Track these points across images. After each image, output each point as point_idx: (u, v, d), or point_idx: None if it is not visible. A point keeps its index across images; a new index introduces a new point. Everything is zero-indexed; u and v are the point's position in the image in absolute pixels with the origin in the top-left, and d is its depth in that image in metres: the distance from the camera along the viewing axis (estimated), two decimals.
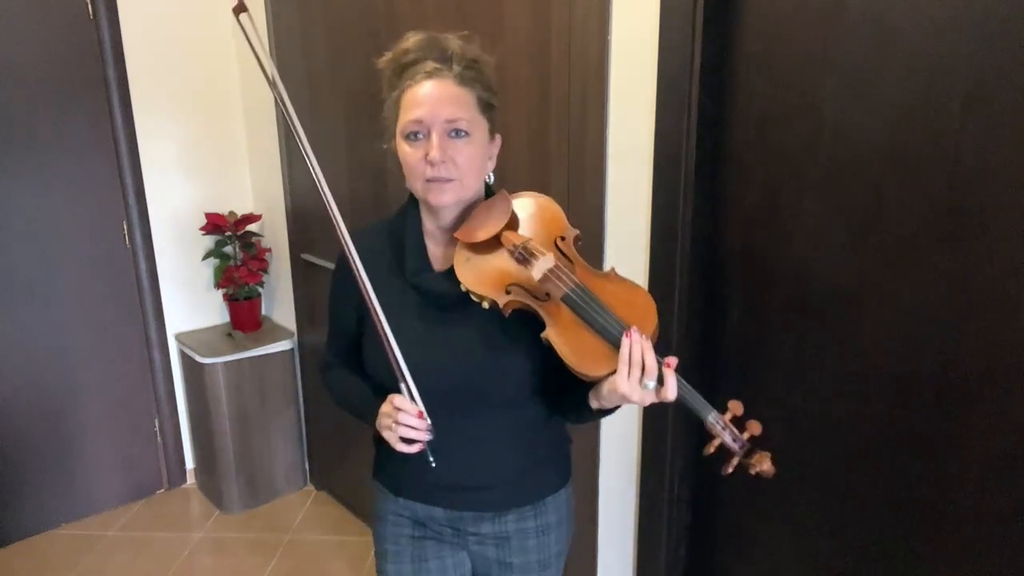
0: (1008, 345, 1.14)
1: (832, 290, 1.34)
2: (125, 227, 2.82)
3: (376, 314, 1.11)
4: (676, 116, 1.43)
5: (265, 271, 2.96)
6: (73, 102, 2.63)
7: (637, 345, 1.01)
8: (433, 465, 1.12)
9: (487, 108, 1.14)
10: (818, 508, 1.45)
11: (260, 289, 2.98)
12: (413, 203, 1.22)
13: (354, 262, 1.12)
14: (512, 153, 1.79)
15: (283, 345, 2.91)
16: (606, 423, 1.75)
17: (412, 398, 1.11)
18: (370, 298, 1.11)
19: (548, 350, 1.07)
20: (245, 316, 2.96)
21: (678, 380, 1.03)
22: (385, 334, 1.11)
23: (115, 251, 2.82)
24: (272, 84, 1.13)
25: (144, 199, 2.83)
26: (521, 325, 1.13)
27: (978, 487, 1.22)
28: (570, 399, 1.17)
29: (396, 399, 1.11)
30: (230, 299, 2.94)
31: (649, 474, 1.67)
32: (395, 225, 1.23)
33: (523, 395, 1.20)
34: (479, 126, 1.12)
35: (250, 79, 2.89)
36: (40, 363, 2.73)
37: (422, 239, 1.20)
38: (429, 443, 1.12)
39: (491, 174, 1.19)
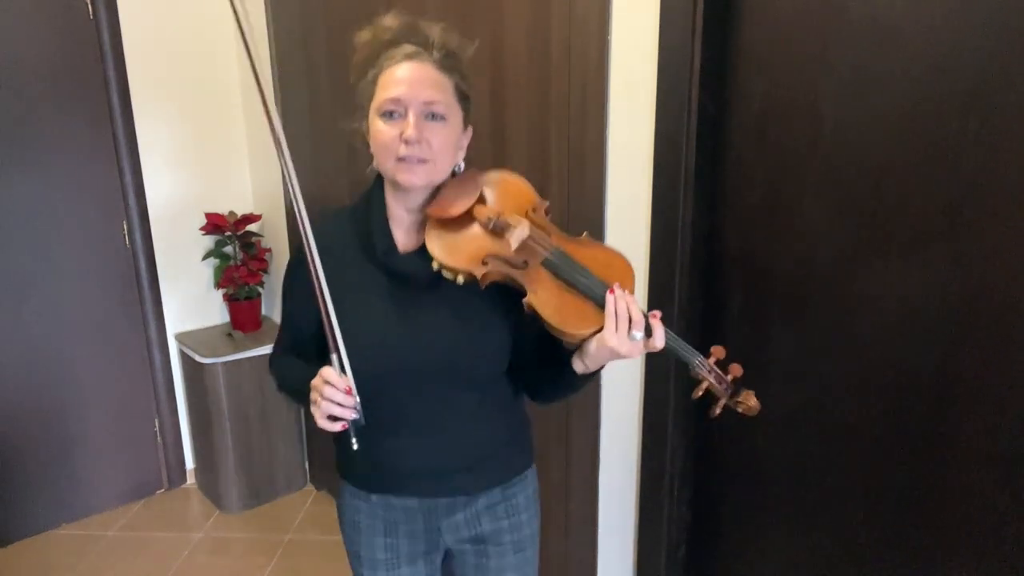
0: (1008, 345, 1.14)
1: (832, 290, 1.34)
2: (125, 227, 2.82)
3: (317, 276, 1.08)
4: (676, 116, 1.43)
5: (265, 271, 2.96)
6: (73, 102, 2.63)
7: (622, 299, 1.04)
8: (355, 447, 1.06)
9: (463, 98, 1.15)
10: (818, 508, 1.45)
11: (260, 289, 2.98)
12: (378, 187, 1.21)
13: (304, 228, 1.09)
14: (512, 153, 1.79)
15: None
16: (606, 423, 1.75)
17: (343, 371, 1.07)
18: (314, 262, 1.09)
19: (527, 319, 1.08)
20: (245, 316, 2.96)
21: (664, 328, 1.06)
22: (323, 292, 1.08)
23: (115, 251, 2.82)
24: (248, 50, 1.11)
25: (144, 199, 2.84)
26: (495, 300, 1.13)
27: (978, 487, 1.22)
28: (551, 370, 1.18)
29: (325, 371, 1.07)
30: (230, 299, 2.94)
31: (649, 475, 1.67)
32: (359, 209, 1.22)
33: (495, 373, 1.21)
34: (455, 112, 1.13)
35: (250, 79, 2.88)
36: (40, 363, 2.73)
37: (387, 222, 1.19)
38: (355, 423, 1.06)
39: (461, 164, 1.19)
